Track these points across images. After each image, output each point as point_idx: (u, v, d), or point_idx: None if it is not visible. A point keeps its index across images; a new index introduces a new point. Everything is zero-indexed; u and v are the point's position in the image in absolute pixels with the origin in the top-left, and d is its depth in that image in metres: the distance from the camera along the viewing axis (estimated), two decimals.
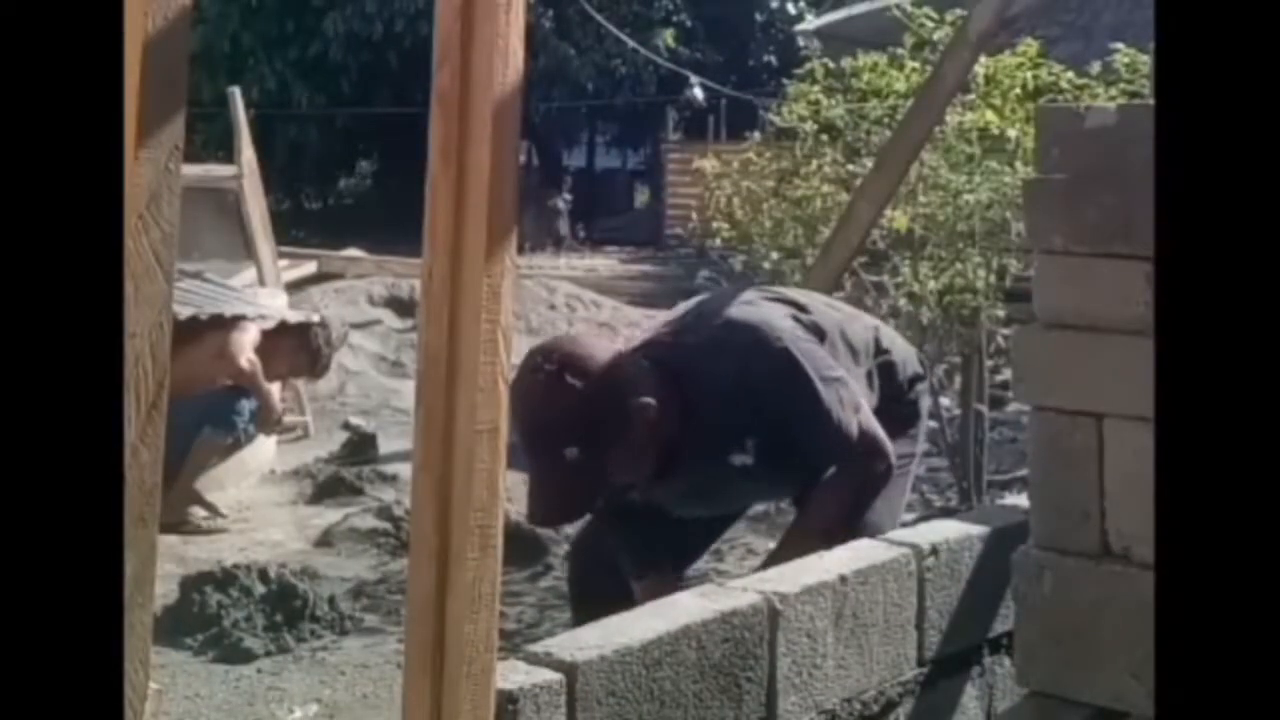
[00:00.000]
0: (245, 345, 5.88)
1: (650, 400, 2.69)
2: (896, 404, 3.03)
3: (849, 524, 2.73)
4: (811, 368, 2.78)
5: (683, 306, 3.10)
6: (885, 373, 3.03)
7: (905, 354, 3.13)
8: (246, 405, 5.79)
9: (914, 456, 3.13)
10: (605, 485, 2.71)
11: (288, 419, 6.61)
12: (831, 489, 2.83)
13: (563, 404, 2.57)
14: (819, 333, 2.92)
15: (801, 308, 2.97)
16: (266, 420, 5.99)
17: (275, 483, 6.28)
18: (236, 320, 5.96)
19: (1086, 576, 2.14)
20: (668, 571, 2.93)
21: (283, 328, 6.14)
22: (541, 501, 2.67)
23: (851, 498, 2.82)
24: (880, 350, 3.05)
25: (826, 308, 3.12)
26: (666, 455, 2.77)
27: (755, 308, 2.92)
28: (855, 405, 2.80)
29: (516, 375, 2.74)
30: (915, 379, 3.12)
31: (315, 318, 6.42)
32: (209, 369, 5.82)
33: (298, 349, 6.15)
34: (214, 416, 5.70)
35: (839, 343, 2.95)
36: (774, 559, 2.68)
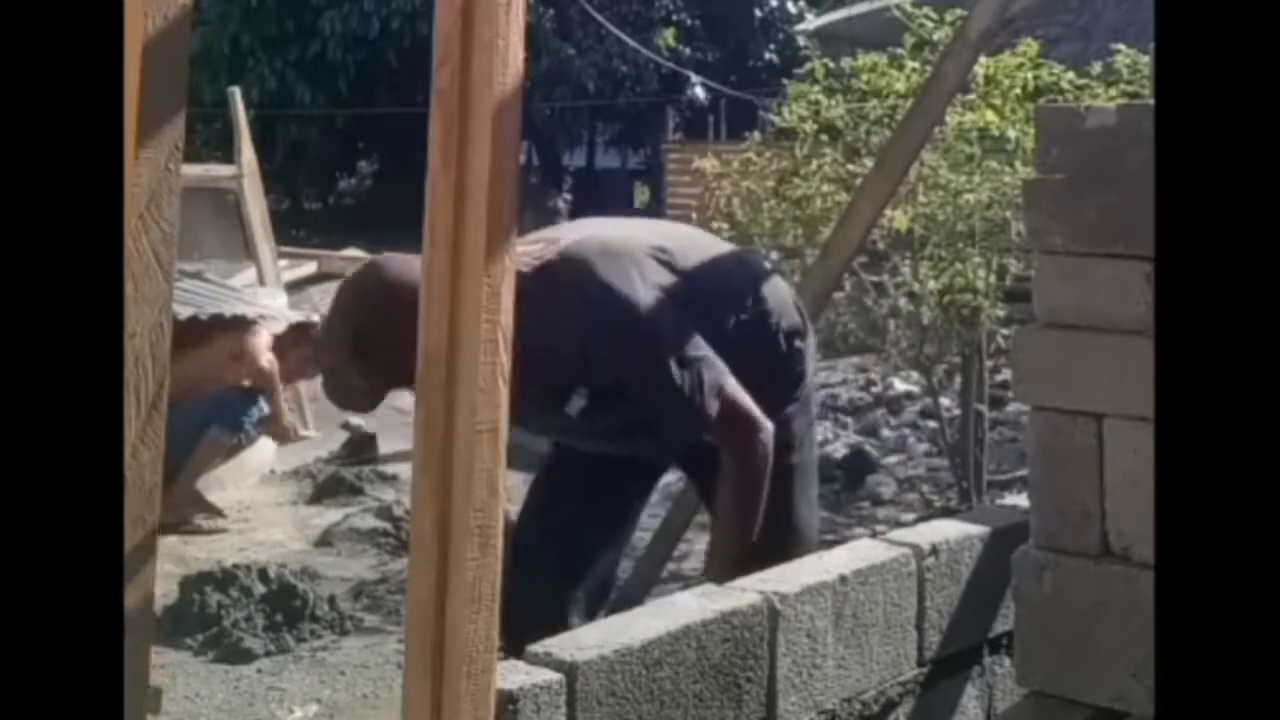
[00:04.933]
0: (262, 347, 5.88)
1: None
2: (777, 365, 2.78)
3: (755, 509, 2.60)
4: (668, 348, 2.58)
5: (562, 228, 2.92)
6: (756, 325, 2.75)
7: (782, 305, 2.81)
8: (255, 407, 5.79)
9: (810, 427, 2.91)
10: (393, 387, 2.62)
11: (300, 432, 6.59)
12: (723, 486, 2.66)
13: (362, 316, 2.56)
14: (684, 279, 2.67)
15: (667, 252, 2.70)
16: (279, 430, 6.00)
17: (275, 483, 6.28)
18: (249, 323, 5.96)
19: (1086, 576, 2.14)
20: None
21: (294, 329, 6.13)
22: (334, 393, 2.68)
23: (744, 485, 2.64)
24: (758, 300, 2.78)
25: (703, 249, 2.84)
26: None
27: (617, 260, 2.64)
28: (716, 387, 2.58)
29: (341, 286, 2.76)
30: (793, 333, 2.81)
31: (318, 318, 6.42)
32: (224, 371, 5.82)
33: (308, 351, 6.14)
34: (222, 416, 5.71)
35: (706, 294, 2.70)
36: (709, 572, 2.61)
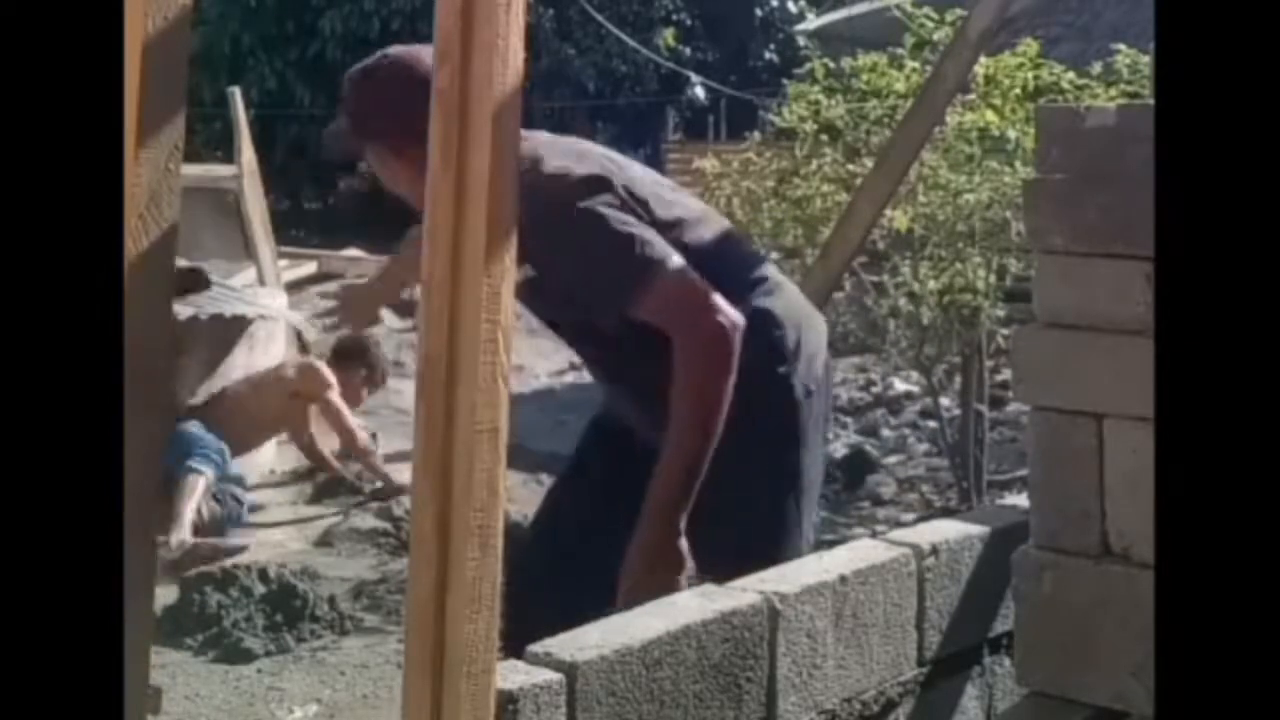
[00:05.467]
0: (328, 384, 5.80)
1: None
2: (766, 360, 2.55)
3: (705, 418, 2.37)
4: (605, 213, 2.44)
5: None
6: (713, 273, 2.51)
7: (741, 256, 2.68)
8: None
9: (817, 424, 2.66)
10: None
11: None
12: (673, 387, 2.39)
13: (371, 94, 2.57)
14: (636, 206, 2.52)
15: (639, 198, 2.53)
16: (393, 490, 5.69)
17: (275, 483, 6.28)
18: (304, 368, 5.86)
19: (1086, 576, 2.14)
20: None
21: (342, 353, 6.09)
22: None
23: (692, 380, 2.38)
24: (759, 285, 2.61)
25: (669, 197, 2.65)
26: None
27: (560, 147, 2.57)
28: (649, 253, 2.41)
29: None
30: (757, 282, 2.64)
31: (365, 333, 6.25)
32: (289, 413, 5.76)
33: (361, 371, 6.11)
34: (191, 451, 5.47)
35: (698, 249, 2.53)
36: (662, 471, 2.39)
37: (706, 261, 2.50)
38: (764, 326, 2.55)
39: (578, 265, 2.48)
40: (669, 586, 2.36)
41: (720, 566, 2.32)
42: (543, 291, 2.50)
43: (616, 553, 2.48)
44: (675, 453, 2.41)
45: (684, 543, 2.43)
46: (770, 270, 2.80)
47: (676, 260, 2.43)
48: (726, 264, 2.59)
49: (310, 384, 5.92)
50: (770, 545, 2.52)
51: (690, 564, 2.46)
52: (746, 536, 2.54)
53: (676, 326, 2.41)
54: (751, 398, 2.43)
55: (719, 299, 2.41)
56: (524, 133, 2.67)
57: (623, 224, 2.46)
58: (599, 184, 2.51)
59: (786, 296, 2.70)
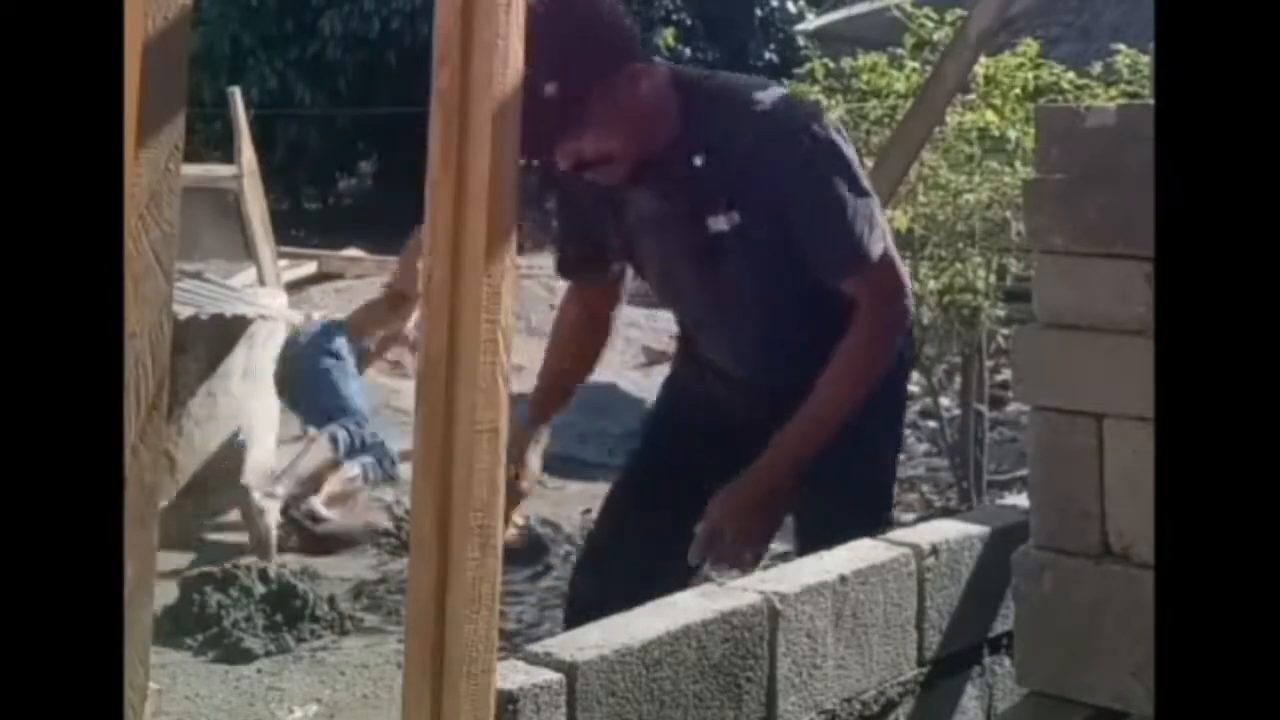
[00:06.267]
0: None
1: (644, 66, 2.41)
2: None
3: (866, 380, 2.44)
4: (850, 156, 2.44)
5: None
6: None
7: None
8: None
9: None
10: (580, 135, 2.39)
11: None
12: (847, 341, 2.43)
13: (557, 29, 2.22)
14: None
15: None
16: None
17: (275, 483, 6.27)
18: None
19: (1086, 576, 2.14)
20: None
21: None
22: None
23: (871, 346, 2.45)
24: None
25: None
26: (640, 152, 2.42)
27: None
28: (882, 231, 2.45)
29: None
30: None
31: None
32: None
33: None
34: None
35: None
36: (805, 421, 2.43)
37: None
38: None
39: (816, 205, 2.43)
40: (751, 546, 2.46)
41: (834, 523, 2.41)
42: (738, 231, 2.46)
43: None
44: (823, 409, 2.45)
45: (779, 517, 2.53)
46: None
47: (890, 234, 2.49)
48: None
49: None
50: (884, 505, 2.67)
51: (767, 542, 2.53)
52: (865, 498, 2.62)
53: (876, 305, 2.45)
54: (897, 377, 2.61)
55: (910, 288, 2.51)
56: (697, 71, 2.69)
57: (864, 175, 2.48)
58: (823, 113, 2.58)
59: None
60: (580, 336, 2.88)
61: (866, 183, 2.48)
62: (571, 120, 2.36)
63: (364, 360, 5.89)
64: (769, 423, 2.49)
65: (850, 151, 2.48)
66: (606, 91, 2.38)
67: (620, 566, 2.64)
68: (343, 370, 5.67)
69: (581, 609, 2.40)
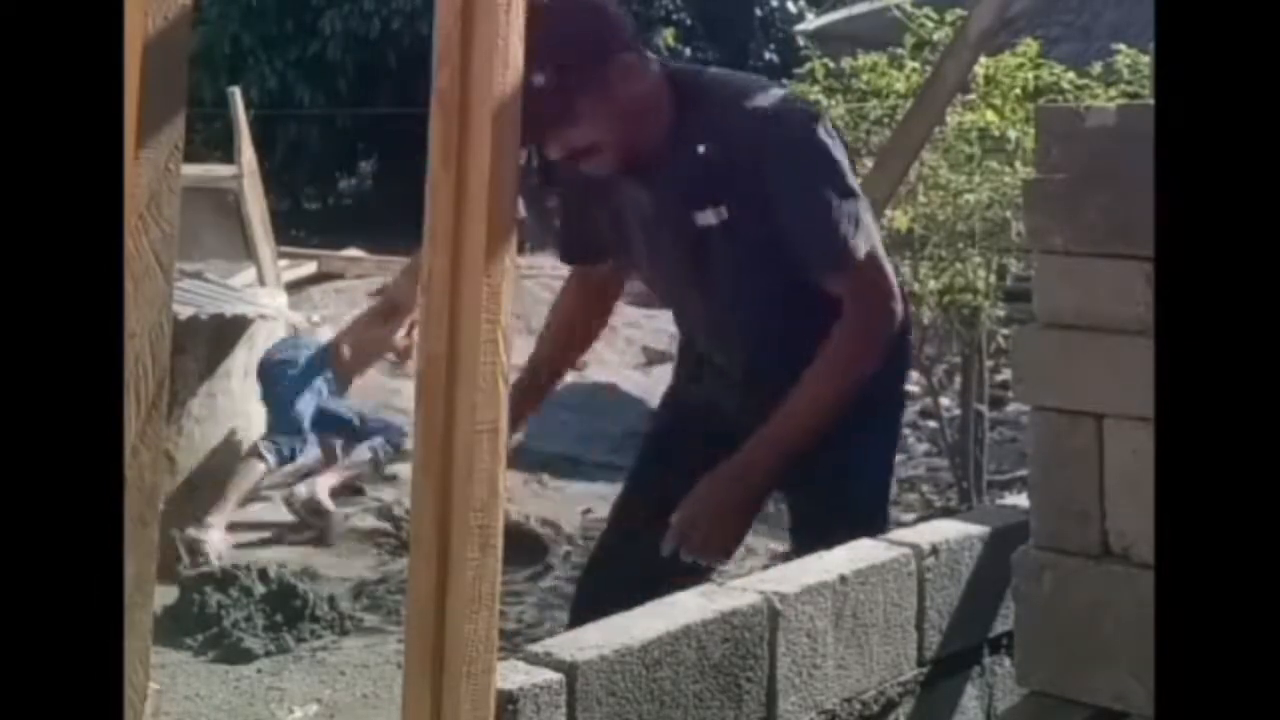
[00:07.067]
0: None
1: (635, 57, 2.40)
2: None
3: (851, 381, 2.43)
4: (838, 156, 2.44)
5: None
6: None
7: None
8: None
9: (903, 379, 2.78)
10: (569, 125, 2.40)
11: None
12: (832, 340, 2.44)
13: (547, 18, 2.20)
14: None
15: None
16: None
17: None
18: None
19: (1086, 576, 2.14)
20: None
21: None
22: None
23: (855, 346, 2.44)
24: None
25: None
26: (629, 143, 2.43)
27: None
28: (868, 233, 2.45)
29: None
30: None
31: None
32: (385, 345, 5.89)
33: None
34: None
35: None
36: (784, 418, 2.43)
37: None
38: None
39: (801, 202, 2.44)
40: (723, 538, 2.45)
41: (829, 524, 2.42)
42: (716, 237, 2.46)
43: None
44: (802, 406, 2.44)
45: (752, 512, 2.50)
46: None
47: (877, 236, 2.48)
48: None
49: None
50: (880, 504, 2.64)
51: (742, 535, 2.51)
52: (859, 499, 2.60)
53: (861, 306, 2.45)
54: (887, 365, 2.52)
55: (900, 292, 2.49)
56: (686, 67, 2.71)
57: (852, 176, 2.47)
58: (816, 114, 2.53)
59: None
60: (578, 318, 2.89)
61: (855, 184, 2.48)
62: (561, 109, 2.36)
63: (340, 375, 5.92)
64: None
65: (840, 153, 2.48)
66: (595, 81, 2.39)
67: (619, 577, 2.62)
68: (300, 381, 5.69)
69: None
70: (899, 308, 2.50)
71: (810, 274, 2.48)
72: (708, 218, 2.45)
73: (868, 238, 2.47)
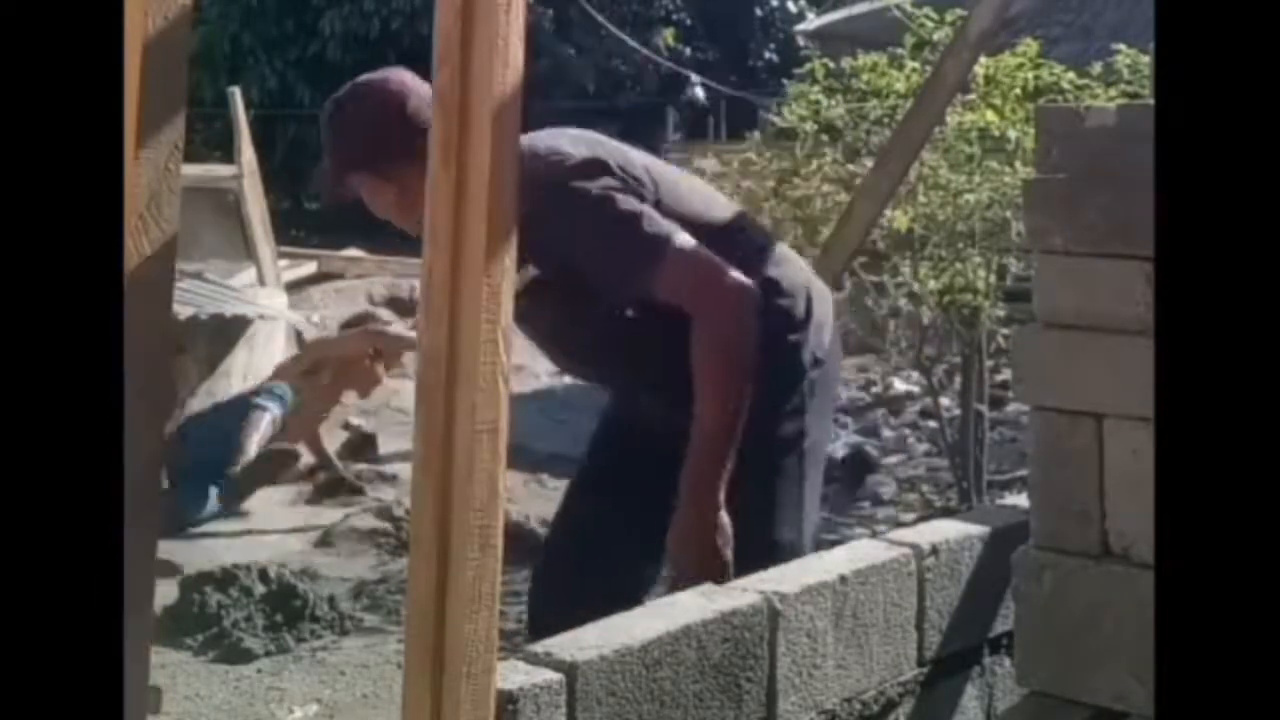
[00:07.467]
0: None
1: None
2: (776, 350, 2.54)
3: (732, 393, 2.39)
4: (600, 193, 2.45)
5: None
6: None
7: (793, 284, 2.63)
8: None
9: (818, 425, 2.66)
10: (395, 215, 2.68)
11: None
12: (694, 364, 2.40)
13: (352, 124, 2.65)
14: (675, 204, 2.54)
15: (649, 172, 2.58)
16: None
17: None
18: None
19: (1086, 576, 2.14)
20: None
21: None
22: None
23: (715, 356, 2.40)
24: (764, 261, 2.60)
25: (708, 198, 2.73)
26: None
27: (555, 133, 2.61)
28: (664, 230, 2.44)
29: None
30: (764, 254, 2.64)
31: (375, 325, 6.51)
32: (361, 374, 5.91)
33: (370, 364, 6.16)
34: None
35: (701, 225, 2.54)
36: (690, 474, 2.42)
37: (713, 236, 2.53)
38: (773, 295, 2.58)
39: (588, 250, 2.48)
40: (716, 560, 2.42)
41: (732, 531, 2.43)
42: (547, 290, 2.49)
43: (650, 546, 2.58)
44: (706, 425, 2.43)
45: (725, 515, 2.45)
46: (776, 243, 2.83)
47: (685, 235, 2.45)
48: (733, 238, 2.61)
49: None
50: (773, 512, 2.58)
51: (730, 535, 2.49)
52: (752, 507, 2.53)
53: (693, 300, 2.43)
54: (762, 366, 2.47)
55: (731, 269, 2.45)
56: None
57: (627, 204, 2.48)
58: (597, 166, 2.52)
59: (794, 267, 2.74)
60: None
61: (631, 205, 2.48)
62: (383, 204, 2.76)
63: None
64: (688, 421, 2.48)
65: (602, 183, 2.48)
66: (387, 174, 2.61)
67: (576, 577, 2.68)
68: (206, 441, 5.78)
69: (541, 626, 2.41)
70: (735, 284, 2.44)
71: (628, 295, 2.51)
72: (525, 277, 2.43)
73: (669, 235, 2.45)
